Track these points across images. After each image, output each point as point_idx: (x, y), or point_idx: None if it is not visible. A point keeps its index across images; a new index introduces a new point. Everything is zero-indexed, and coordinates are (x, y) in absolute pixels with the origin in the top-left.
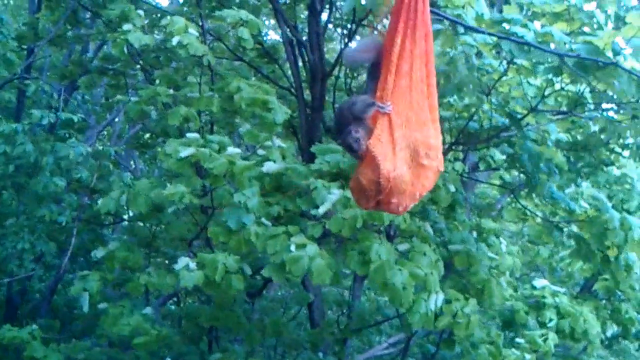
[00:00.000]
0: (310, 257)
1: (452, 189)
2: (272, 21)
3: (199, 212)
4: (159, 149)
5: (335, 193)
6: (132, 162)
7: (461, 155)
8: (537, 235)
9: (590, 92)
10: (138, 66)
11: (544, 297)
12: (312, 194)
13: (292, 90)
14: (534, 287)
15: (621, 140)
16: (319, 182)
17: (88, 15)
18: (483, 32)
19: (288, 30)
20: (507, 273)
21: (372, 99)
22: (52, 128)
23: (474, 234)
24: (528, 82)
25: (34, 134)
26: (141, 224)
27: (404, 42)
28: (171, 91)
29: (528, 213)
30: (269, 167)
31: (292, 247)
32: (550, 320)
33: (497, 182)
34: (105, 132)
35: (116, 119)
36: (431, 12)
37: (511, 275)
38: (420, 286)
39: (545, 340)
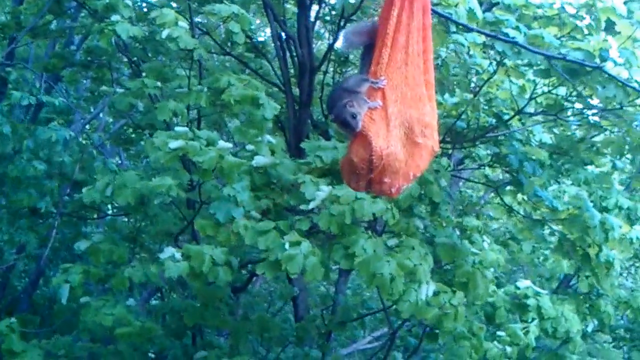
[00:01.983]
0: (305, 254)
1: (444, 183)
2: (258, 21)
3: (185, 206)
4: (145, 142)
5: (324, 190)
6: (117, 158)
7: (449, 152)
8: (519, 232)
9: (577, 96)
10: (124, 59)
11: (526, 296)
12: (300, 189)
13: (281, 85)
14: (517, 287)
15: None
16: (307, 177)
17: (74, 5)
18: (476, 31)
19: (277, 25)
20: (490, 269)
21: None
22: (35, 115)
23: (457, 231)
24: (513, 82)
25: (14, 116)
26: (126, 218)
27: (400, 14)
28: (159, 84)
29: (510, 210)
30: (258, 160)
31: (287, 245)
32: (533, 319)
33: (481, 180)
34: (89, 127)
35: (101, 114)
36: None
37: (495, 273)
38: (409, 277)
39: (526, 334)
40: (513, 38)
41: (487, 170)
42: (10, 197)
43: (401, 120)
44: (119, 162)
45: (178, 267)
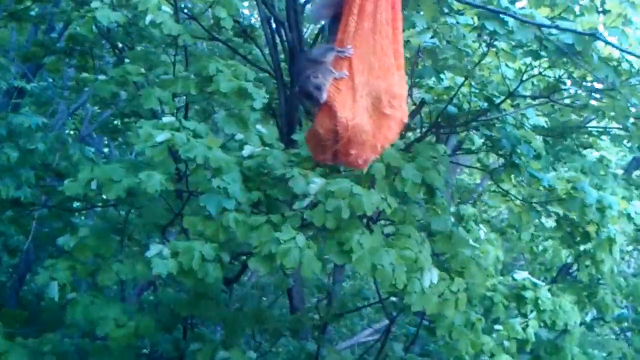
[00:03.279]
0: (301, 248)
1: (443, 169)
2: (246, 4)
3: (173, 197)
4: (130, 132)
5: (316, 182)
6: (106, 149)
7: (442, 138)
8: (516, 219)
9: (569, 77)
10: (108, 47)
11: (524, 287)
12: (288, 183)
13: (271, 71)
14: (514, 279)
15: (601, 122)
16: (296, 170)
17: None
18: (468, 4)
19: (265, 8)
20: (488, 260)
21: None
22: (17, 105)
23: (453, 219)
24: (507, 65)
25: None
26: (113, 210)
27: None
28: (143, 71)
29: (508, 195)
30: (247, 151)
31: (282, 239)
32: (531, 311)
33: (477, 165)
34: (74, 117)
35: (87, 104)
36: None
37: (493, 265)
38: (410, 266)
39: (525, 329)
40: (506, 8)
41: (483, 157)
42: None
43: (368, 91)
44: (108, 152)
45: (166, 265)
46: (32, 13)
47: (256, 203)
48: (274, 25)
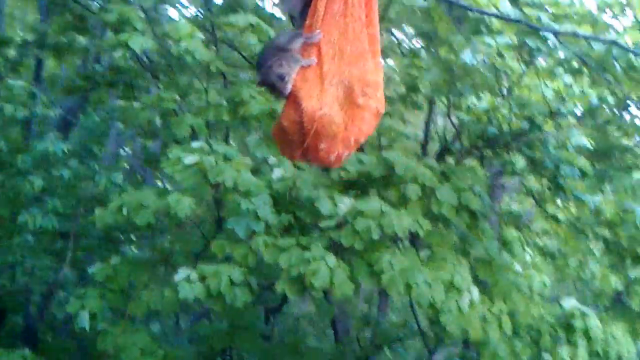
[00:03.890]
0: (332, 268)
1: (477, 189)
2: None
3: (209, 223)
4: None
5: (345, 203)
6: (158, 181)
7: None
8: (563, 243)
9: (611, 94)
10: (149, 76)
11: (573, 316)
12: (315, 204)
13: None
14: (562, 307)
15: None
16: (322, 191)
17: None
18: (510, 20)
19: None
20: (533, 286)
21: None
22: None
23: (498, 243)
24: (546, 85)
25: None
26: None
27: None
28: (177, 97)
29: (554, 219)
30: (278, 174)
31: (311, 258)
32: (581, 341)
33: (522, 191)
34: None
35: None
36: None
37: (539, 292)
38: (447, 287)
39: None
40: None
41: (527, 181)
42: (5, 216)
43: (340, 79)
44: (160, 184)
45: (193, 289)
46: (78, 42)
47: (287, 227)
48: None
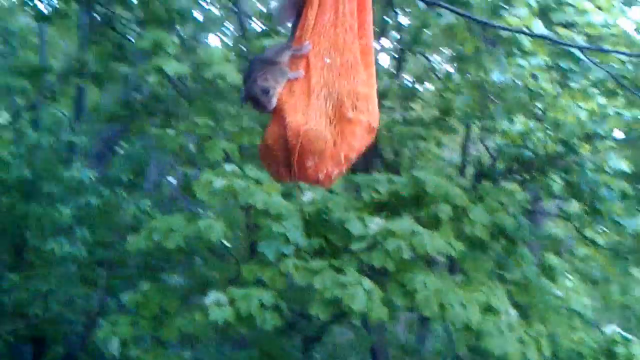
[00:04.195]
0: (368, 291)
1: (512, 211)
2: None
3: (242, 249)
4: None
5: (376, 223)
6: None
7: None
8: (602, 268)
9: None
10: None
11: (615, 342)
12: (345, 225)
13: None
14: (603, 333)
15: None
16: (352, 213)
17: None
18: (543, 37)
19: None
20: (575, 312)
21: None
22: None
23: (537, 268)
24: (579, 107)
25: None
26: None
27: None
28: (211, 122)
29: (593, 243)
30: (309, 197)
31: (347, 283)
32: None
33: (559, 215)
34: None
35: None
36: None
37: (581, 316)
38: (483, 309)
39: None
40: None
41: (564, 204)
42: (37, 245)
43: (328, 92)
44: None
45: (223, 312)
46: (119, 70)
47: (318, 250)
48: None
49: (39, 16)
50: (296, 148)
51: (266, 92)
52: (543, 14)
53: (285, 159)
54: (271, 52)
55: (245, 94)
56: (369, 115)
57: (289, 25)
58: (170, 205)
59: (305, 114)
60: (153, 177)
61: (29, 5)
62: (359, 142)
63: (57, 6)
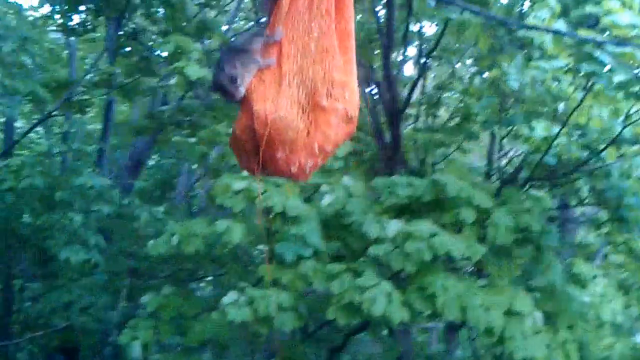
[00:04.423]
0: (388, 293)
1: (537, 215)
2: None
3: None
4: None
5: (393, 225)
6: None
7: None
8: (632, 275)
9: None
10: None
11: None
12: (363, 227)
13: (371, 130)
14: (634, 341)
15: None
16: (370, 215)
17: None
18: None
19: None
20: (603, 317)
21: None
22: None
23: (564, 275)
24: (604, 110)
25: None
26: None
27: None
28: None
29: (621, 251)
30: (327, 199)
31: (366, 286)
32: None
33: (586, 221)
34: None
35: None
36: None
37: (609, 324)
38: (507, 312)
39: None
40: (600, 45)
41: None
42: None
43: (302, 79)
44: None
45: (241, 313)
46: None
47: (337, 254)
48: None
49: (67, 30)
50: (264, 138)
51: (234, 80)
52: (565, 15)
53: (254, 150)
54: (242, 39)
55: (212, 82)
56: (345, 103)
57: None
58: (200, 215)
59: (275, 102)
60: (182, 188)
61: (55, 19)
62: (335, 131)
63: (85, 20)
